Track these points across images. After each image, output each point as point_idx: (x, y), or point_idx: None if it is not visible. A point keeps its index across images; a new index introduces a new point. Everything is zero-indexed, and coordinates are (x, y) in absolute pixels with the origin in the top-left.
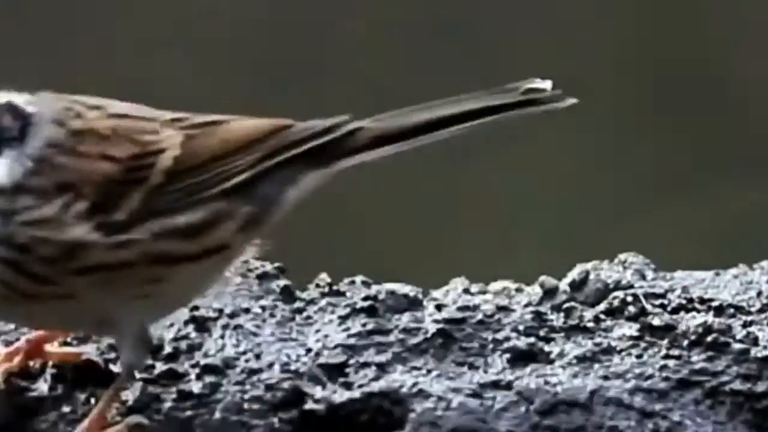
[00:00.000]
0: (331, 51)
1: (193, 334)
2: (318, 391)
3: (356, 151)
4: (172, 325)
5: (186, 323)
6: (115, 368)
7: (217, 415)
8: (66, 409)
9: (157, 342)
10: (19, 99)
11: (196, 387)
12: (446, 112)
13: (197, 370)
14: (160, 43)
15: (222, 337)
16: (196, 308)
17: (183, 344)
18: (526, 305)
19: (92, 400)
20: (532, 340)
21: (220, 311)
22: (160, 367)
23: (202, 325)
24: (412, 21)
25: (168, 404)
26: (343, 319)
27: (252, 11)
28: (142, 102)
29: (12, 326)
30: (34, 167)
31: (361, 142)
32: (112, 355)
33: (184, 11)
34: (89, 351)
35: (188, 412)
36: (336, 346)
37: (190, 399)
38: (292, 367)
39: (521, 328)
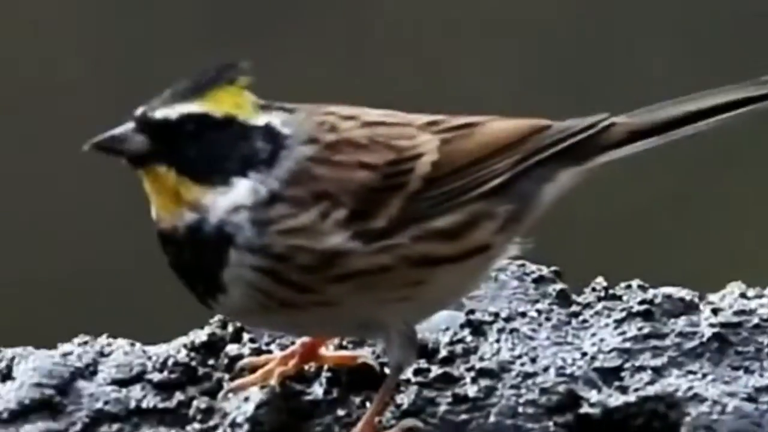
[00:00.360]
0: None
1: (469, 338)
2: (593, 395)
3: (611, 147)
4: (447, 329)
5: (462, 327)
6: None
7: (492, 418)
8: (341, 412)
9: (431, 345)
10: (277, 120)
11: (471, 390)
12: (697, 107)
13: (472, 374)
14: None
15: (498, 340)
16: (471, 312)
17: (458, 348)
18: None
19: (367, 404)
20: None
21: (496, 315)
22: (435, 370)
23: (477, 328)
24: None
25: (443, 408)
26: (619, 322)
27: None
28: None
29: None
30: (290, 178)
31: (615, 138)
32: (386, 359)
33: None
34: (365, 354)
35: (463, 416)
36: (612, 350)
37: (465, 402)
38: (568, 371)
39: None
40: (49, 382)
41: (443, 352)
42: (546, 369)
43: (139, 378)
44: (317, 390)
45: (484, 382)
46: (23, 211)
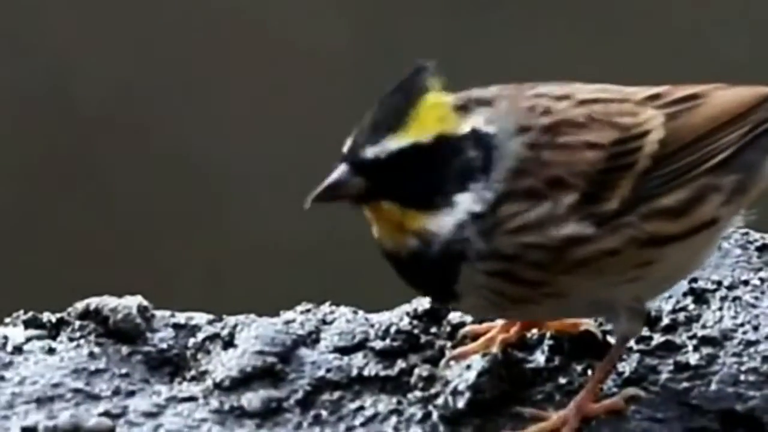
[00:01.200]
0: None
1: (691, 306)
2: None
3: None
4: (670, 297)
5: (684, 295)
6: (612, 339)
7: (713, 386)
8: (562, 380)
9: (654, 313)
10: (480, 120)
11: (693, 358)
12: None
13: (694, 342)
14: None
15: (720, 308)
16: (694, 280)
17: (681, 316)
18: None
19: (588, 372)
20: None
21: (719, 283)
22: (657, 338)
23: (700, 296)
24: None
25: (664, 375)
26: None
27: None
28: None
29: None
30: (512, 175)
31: None
32: (610, 327)
33: None
34: (588, 322)
35: (684, 384)
36: None
37: (686, 370)
38: None
39: None
40: (271, 350)
41: (665, 320)
42: None
43: (361, 346)
44: (539, 358)
45: (706, 350)
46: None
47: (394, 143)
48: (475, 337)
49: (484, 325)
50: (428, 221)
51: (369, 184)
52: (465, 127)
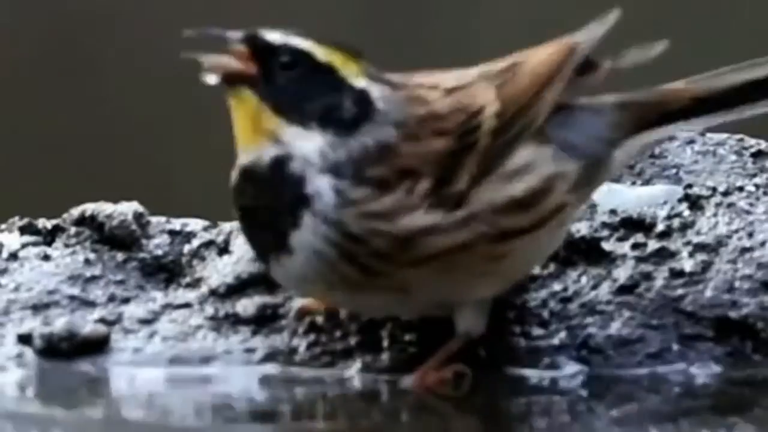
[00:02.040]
0: None
1: (686, 212)
2: None
3: (676, 113)
4: (665, 203)
5: (679, 201)
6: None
7: (708, 293)
8: (557, 287)
9: (649, 220)
10: (377, 92)
11: (687, 265)
12: (756, 75)
13: (689, 249)
14: None
15: (715, 215)
16: (689, 186)
17: (675, 222)
18: None
19: (583, 279)
20: None
21: (714, 189)
22: (652, 245)
23: (695, 203)
24: None
25: (659, 282)
26: None
27: None
28: None
29: None
30: (368, 156)
31: (679, 101)
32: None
33: None
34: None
35: (679, 291)
36: None
37: (681, 277)
38: None
39: None
40: None
41: (660, 227)
42: (763, 243)
43: None
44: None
45: (700, 257)
46: None
47: (293, 41)
48: None
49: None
50: (280, 128)
51: (247, 62)
52: (360, 84)
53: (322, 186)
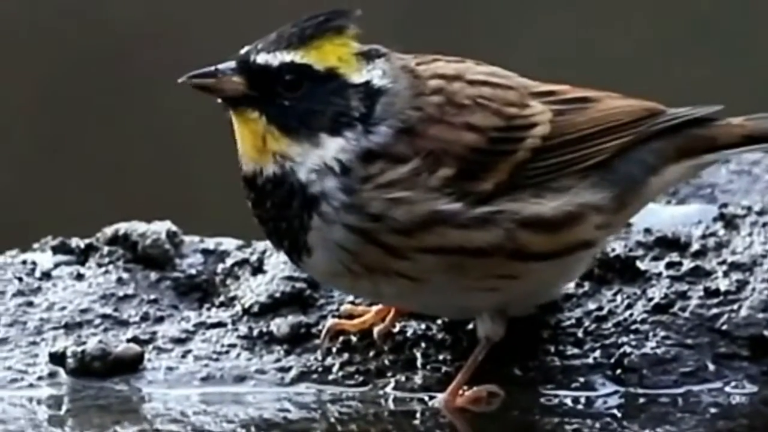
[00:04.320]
0: None
1: (721, 232)
2: None
3: (724, 147)
4: (700, 222)
5: (714, 220)
6: (641, 265)
7: (743, 312)
8: (591, 306)
9: (683, 239)
10: (377, 74)
11: (722, 284)
12: None
13: (724, 268)
14: None
15: (750, 234)
16: (724, 205)
17: (711, 241)
18: None
19: (618, 298)
20: None
21: (749, 208)
22: (687, 264)
23: (730, 222)
24: None
25: (694, 301)
26: None
27: None
28: None
29: None
30: (389, 137)
31: (729, 139)
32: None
33: None
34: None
35: (714, 310)
36: None
37: (716, 296)
38: None
39: None
40: (300, 276)
41: (695, 246)
42: None
43: None
44: (569, 283)
45: (735, 276)
46: None
47: (287, 57)
48: (350, 316)
49: (360, 308)
50: (290, 147)
51: (247, 90)
52: (361, 76)
53: (328, 185)
